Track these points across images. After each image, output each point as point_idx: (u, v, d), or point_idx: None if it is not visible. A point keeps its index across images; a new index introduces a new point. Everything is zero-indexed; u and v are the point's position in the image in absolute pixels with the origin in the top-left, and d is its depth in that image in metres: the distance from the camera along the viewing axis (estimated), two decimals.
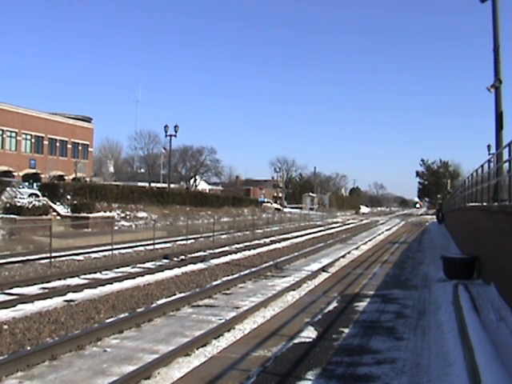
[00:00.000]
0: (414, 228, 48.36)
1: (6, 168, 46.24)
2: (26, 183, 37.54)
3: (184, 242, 25.51)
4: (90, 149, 61.12)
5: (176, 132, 48.39)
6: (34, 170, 49.70)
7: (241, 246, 24.17)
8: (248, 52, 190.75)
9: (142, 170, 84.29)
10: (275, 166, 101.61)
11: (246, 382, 5.76)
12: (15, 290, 11.85)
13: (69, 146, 56.62)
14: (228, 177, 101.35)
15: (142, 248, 21.88)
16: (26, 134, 50.70)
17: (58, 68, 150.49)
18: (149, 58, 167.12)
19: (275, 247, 24.28)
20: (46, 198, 31.14)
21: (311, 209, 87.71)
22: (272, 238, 29.21)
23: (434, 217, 67.12)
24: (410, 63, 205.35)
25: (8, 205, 26.39)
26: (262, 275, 14.99)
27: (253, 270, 15.75)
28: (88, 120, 62.01)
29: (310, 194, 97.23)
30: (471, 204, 17.47)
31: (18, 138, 49.65)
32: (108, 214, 33.69)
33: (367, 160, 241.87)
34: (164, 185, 59.85)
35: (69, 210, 31.94)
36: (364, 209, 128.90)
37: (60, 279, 13.54)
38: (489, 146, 39.54)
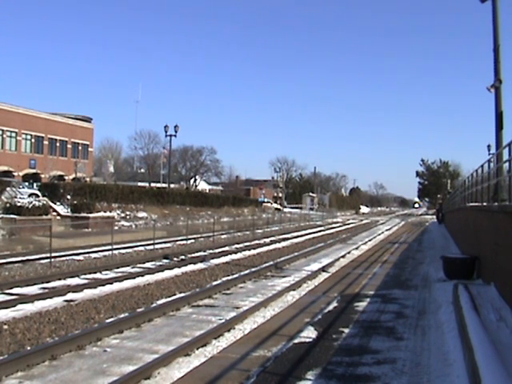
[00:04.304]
0: (413, 228, 48.34)
1: (6, 168, 46.25)
2: (26, 183, 37.48)
3: (184, 242, 25.51)
4: (90, 149, 61.14)
5: (176, 132, 48.41)
6: (34, 170, 49.71)
7: (241, 245, 24.16)
8: (248, 52, 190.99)
9: (142, 170, 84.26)
10: (275, 165, 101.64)
11: (246, 382, 5.76)
12: (15, 290, 11.84)
13: (69, 145, 56.64)
14: (228, 177, 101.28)
15: (142, 248, 21.87)
16: (26, 134, 50.71)
17: (58, 68, 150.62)
18: (149, 58, 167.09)
19: (275, 247, 24.27)
20: (45, 198, 31.14)
21: (311, 209, 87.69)
22: (272, 238, 29.20)
23: (434, 217, 67.12)
24: (409, 63, 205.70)
25: (8, 205, 26.40)
26: (262, 275, 14.99)
27: (253, 269, 15.74)
28: (88, 120, 62.03)
29: (310, 194, 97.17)
30: (471, 204, 17.47)
31: (18, 138, 49.65)
32: (108, 213, 33.69)
33: (367, 160, 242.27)
34: (164, 185, 59.85)
35: (69, 210, 31.94)
36: (364, 209, 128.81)
37: (60, 279, 13.53)
38: (489, 146, 39.54)
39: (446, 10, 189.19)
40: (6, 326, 8.45)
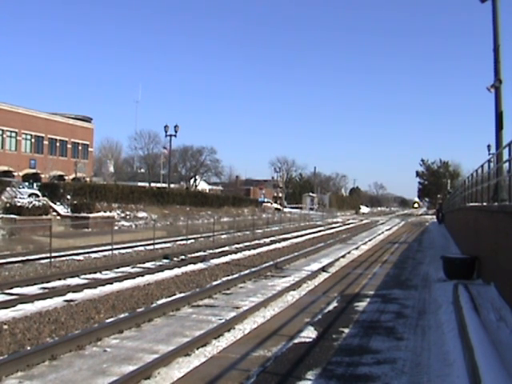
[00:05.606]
0: (413, 228, 48.33)
1: (6, 168, 46.24)
2: (26, 183, 37.49)
3: (184, 241, 25.51)
4: (90, 149, 61.14)
5: (176, 132, 48.40)
6: (34, 170, 49.70)
7: (241, 245, 24.16)
8: (248, 52, 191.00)
9: (142, 170, 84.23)
10: (275, 165, 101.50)
11: (246, 382, 5.76)
12: (15, 290, 11.85)
13: (69, 146, 56.63)
14: (228, 177, 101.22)
15: (142, 248, 21.88)
16: (26, 134, 50.71)
17: (58, 68, 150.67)
18: (149, 58, 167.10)
19: (275, 247, 24.27)
20: (45, 198, 31.12)
21: (311, 209, 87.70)
22: (272, 238, 29.20)
23: (434, 217, 67.11)
24: (409, 63, 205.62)
25: (8, 205, 26.38)
26: (262, 275, 14.99)
27: (253, 269, 15.74)
28: (88, 120, 62.03)
29: (310, 194, 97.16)
30: (471, 204, 17.47)
31: (18, 137, 49.65)
32: (108, 213, 33.67)
33: (367, 160, 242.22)
34: (164, 185, 59.84)
35: (69, 210, 31.93)
36: (364, 209, 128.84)
37: (60, 279, 13.54)
38: (489, 146, 39.52)
39: (446, 9, 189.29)
40: (5, 326, 8.45)
